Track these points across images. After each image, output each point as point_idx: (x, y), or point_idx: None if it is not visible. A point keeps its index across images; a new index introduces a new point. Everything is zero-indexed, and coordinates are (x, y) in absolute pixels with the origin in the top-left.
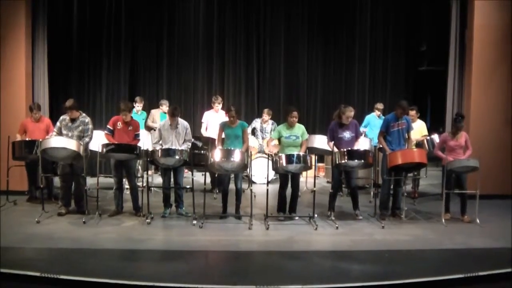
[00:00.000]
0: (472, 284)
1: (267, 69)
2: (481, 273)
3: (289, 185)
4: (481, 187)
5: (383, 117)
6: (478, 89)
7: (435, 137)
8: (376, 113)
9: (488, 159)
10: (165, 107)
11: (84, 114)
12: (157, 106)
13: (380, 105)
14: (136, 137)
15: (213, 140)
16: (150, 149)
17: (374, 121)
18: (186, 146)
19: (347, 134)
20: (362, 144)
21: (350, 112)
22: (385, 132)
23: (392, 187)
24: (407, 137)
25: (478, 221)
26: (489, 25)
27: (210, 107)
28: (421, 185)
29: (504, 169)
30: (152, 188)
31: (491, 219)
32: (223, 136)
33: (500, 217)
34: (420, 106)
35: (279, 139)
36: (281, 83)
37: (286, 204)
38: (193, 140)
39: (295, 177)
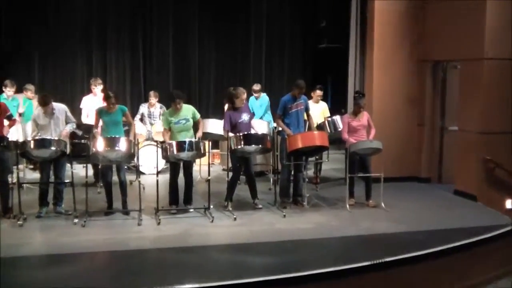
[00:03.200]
0: (379, 271)
1: (154, 53)
2: (388, 259)
3: (181, 174)
4: (385, 170)
5: (264, 97)
6: (379, 69)
7: (337, 118)
8: (255, 95)
9: (391, 140)
10: (30, 93)
11: None
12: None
13: (256, 86)
14: (10, 118)
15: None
16: (21, 139)
17: (253, 103)
18: (70, 127)
19: (245, 117)
20: (260, 128)
21: (244, 94)
22: (282, 115)
23: (292, 172)
24: (306, 118)
25: (383, 205)
26: (389, 10)
27: (90, 92)
28: (324, 170)
29: (407, 151)
30: (24, 185)
31: (396, 203)
32: (100, 123)
33: (405, 200)
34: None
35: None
36: (170, 67)
37: (179, 195)
38: (75, 125)
39: (188, 165)
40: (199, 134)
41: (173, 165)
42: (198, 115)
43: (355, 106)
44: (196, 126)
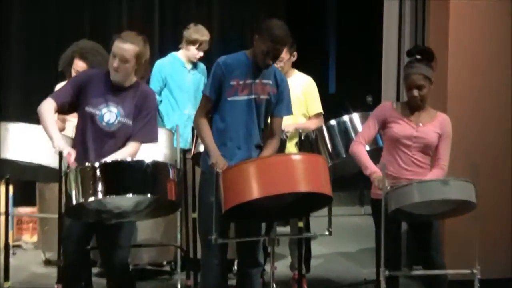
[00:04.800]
0: None
1: None
2: None
3: None
4: (484, 261)
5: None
6: (463, 23)
7: (354, 119)
8: None
9: (495, 178)
10: None
11: None
12: None
13: None
14: None
15: None
16: None
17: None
18: None
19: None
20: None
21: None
22: (207, 107)
23: (235, 266)
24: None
25: None
26: None
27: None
28: (318, 258)
29: None
30: None
31: None
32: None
33: None
34: None
35: None
36: None
37: None
38: None
39: None
40: None
41: None
42: None
43: (410, 91)
44: None
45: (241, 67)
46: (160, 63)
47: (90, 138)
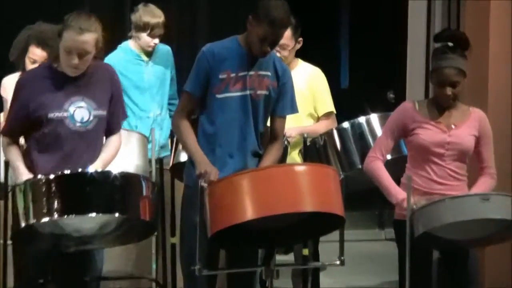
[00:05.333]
0: None
1: None
2: None
3: None
4: None
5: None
6: None
7: (371, 120)
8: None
9: None
10: None
11: None
12: None
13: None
14: None
15: None
16: None
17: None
18: None
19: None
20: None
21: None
22: (193, 105)
23: None
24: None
25: None
26: None
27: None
28: None
29: None
30: None
31: None
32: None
33: None
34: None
35: None
36: None
37: None
38: None
39: None
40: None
41: None
42: None
43: (443, 89)
44: None
45: (232, 56)
46: (110, 59)
47: (60, 145)
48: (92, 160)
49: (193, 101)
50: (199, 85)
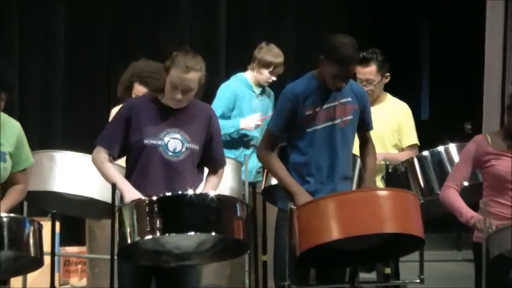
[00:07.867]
0: None
1: None
2: None
3: None
4: None
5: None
6: None
7: (450, 150)
8: None
9: None
10: None
11: None
12: None
13: None
14: None
15: None
16: None
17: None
18: None
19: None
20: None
21: None
22: (278, 140)
23: None
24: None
25: None
26: None
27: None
28: None
29: None
30: None
31: None
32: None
33: None
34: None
35: None
36: None
37: None
38: None
39: None
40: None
41: None
42: None
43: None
44: None
45: (313, 93)
46: (229, 85)
47: (153, 173)
48: (176, 189)
49: (277, 139)
50: (283, 127)
